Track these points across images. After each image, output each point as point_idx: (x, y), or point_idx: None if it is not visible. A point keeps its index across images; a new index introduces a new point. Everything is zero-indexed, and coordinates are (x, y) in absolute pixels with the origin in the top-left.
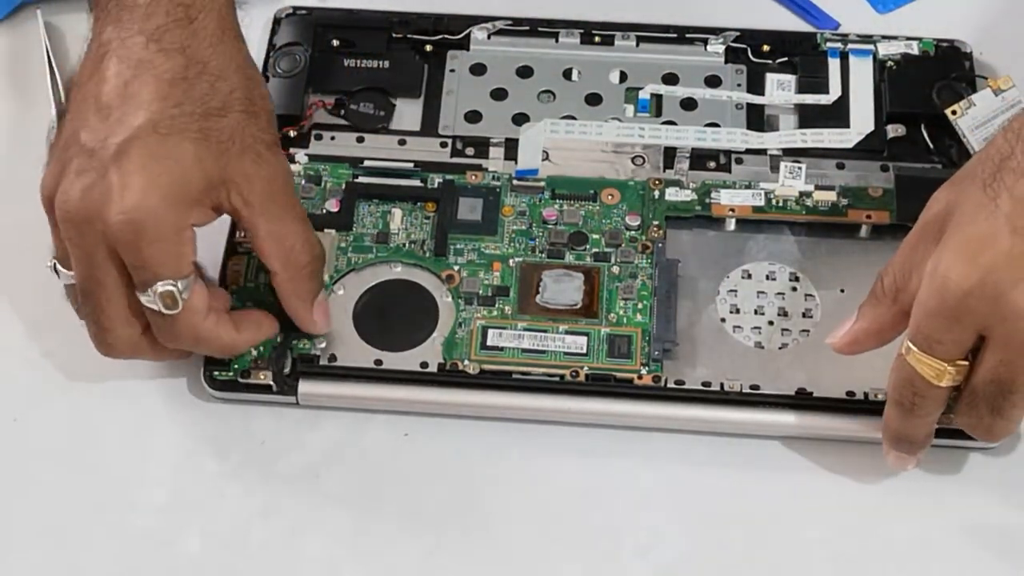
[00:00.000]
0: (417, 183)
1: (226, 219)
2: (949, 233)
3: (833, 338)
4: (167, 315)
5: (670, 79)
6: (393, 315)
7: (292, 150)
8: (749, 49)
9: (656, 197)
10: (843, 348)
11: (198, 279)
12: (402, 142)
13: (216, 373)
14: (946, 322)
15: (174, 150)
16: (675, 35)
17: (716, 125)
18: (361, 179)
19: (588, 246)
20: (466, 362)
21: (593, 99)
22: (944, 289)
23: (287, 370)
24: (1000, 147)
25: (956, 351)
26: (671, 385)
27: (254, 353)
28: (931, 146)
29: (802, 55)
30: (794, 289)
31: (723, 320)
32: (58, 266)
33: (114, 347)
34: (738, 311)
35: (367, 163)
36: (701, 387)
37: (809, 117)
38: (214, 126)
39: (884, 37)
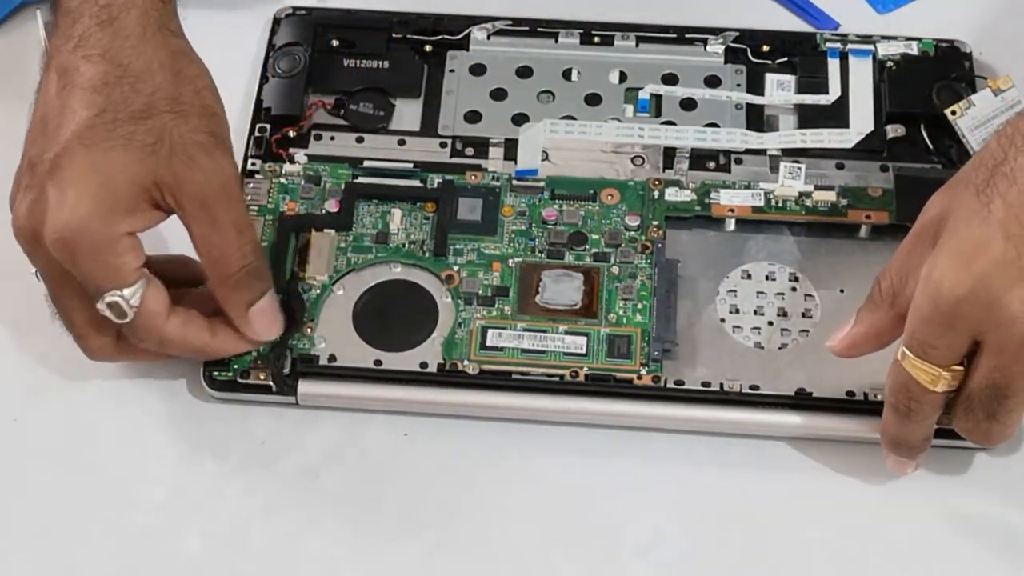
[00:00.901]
0: (417, 183)
1: None
2: (943, 239)
3: (831, 342)
4: (124, 322)
5: (670, 79)
6: (393, 315)
7: (292, 150)
8: (749, 49)
9: (656, 197)
10: (841, 352)
11: (151, 283)
12: (402, 142)
13: (216, 373)
14: (940, 328)
15: (99, 161)
16: (675, 35)
17: (716, 125)
18: (361, 179)
19: (588, 246)
20: (466, 362)
21: (593, 99)
22: (938, 295)
23: (287, 370)
24: (994, 152)
25: (951, 357)
26: (671, 385)
27: (254, 353)
28: (931, 146)
29: (802, 55)
30: (794, 289)
31: (723, 320)
32: (39, 274)
33: (95, 354)
34: (738, 311)
35: (367, 163)
36: (701, 387)
37: (809, 117)
38: (139, 129)
39: (884, 37)
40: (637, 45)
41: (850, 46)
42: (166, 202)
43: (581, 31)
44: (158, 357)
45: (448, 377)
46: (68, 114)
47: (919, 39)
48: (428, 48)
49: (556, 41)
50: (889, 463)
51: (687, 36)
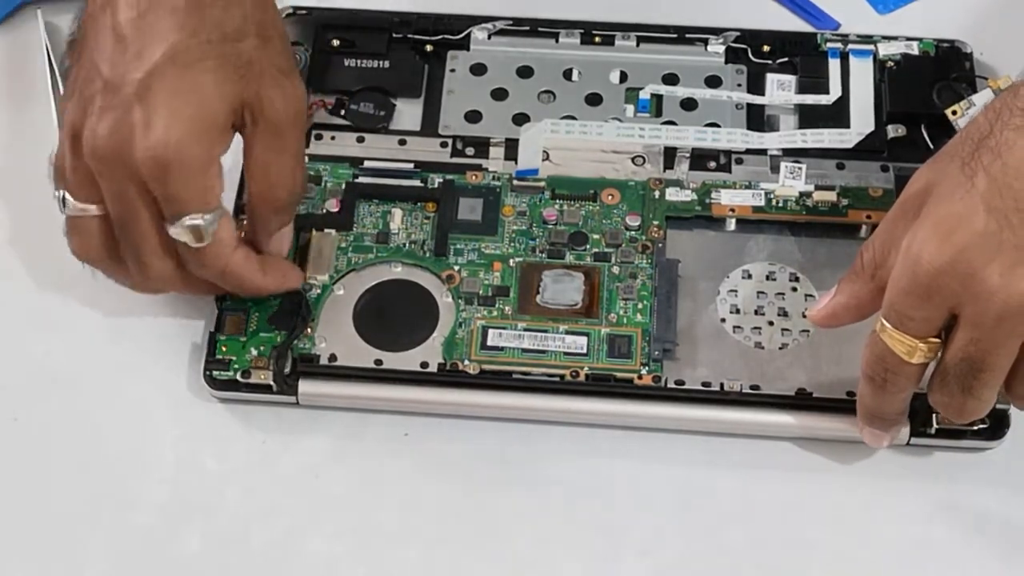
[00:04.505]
0: (417, 183)
1: None
2: (926, 211)
3: (811, 312)
4: (195, 248)
5: (670, 79)
6: (393, 315)
7: None
8: (749, 49)
9: (656, 197)
10: (820, 321)
11: (226, 213)
12: (402, 142)
13: (216, 373)
14: (918, 300)
15: (195, 81)
16: (675, 35)
17: (716, 125)
18: (361, 179)
19: (588, 246)
20: (466, 362)
21: (593, 99)
22: (917, 267)
23: (287, 370)
24: (980, 126)
25: (928, 329)
26: (671, 385)
27: (254, 352)
28: (931, 146)
29: (802, 55)
30: (794, 289)
31: (723, 320)
32: (66, 197)
33: (151, 281)
34: (738, 311)
35: (367, 163)
36: (701, 387)
37: (809, 117)
38: (231, 51)
39: (884, 37)
40: (638, 45)
41: (851, 46)
42: (242, 120)
43: (582, 31)
44: (203, 291)
45: (448, 377)
46: (156, 34)
47: (920, 39)
48: (429, 48)
49: (557, 41)
50: (864, 435)
51: (688, 36)
